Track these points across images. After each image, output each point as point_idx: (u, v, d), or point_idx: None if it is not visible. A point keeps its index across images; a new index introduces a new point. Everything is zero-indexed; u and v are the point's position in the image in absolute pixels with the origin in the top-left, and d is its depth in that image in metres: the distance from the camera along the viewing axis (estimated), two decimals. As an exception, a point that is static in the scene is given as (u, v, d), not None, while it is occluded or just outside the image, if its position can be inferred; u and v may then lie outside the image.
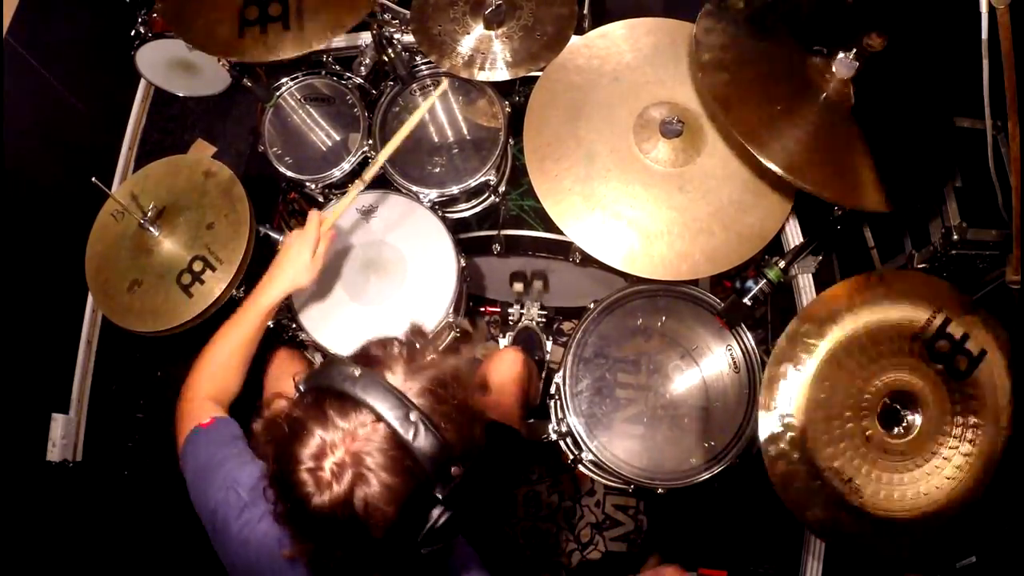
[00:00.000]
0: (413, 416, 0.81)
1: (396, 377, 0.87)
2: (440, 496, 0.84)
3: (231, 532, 1.08)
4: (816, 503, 1.39)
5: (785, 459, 1.41)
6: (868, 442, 1.41)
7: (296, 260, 1.41)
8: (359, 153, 1.89)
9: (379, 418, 0.81)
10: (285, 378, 1.64)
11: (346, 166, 1.89)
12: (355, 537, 0.82)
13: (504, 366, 1.86)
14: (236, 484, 1.11)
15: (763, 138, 1.44)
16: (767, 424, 1.42)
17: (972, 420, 1.42)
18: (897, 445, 1.42)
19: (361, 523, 0.81)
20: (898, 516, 1.39)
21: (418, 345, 0.92)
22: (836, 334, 1.45)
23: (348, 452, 0.81)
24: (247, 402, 1.50)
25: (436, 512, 0.85)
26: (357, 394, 0.82)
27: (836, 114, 1.49)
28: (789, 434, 1.41)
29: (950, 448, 1.41)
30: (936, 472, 1.41)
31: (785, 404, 1.43)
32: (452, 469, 0.84)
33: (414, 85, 1.97)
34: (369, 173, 1.55)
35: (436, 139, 1.94)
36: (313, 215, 1.45)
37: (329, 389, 0.85)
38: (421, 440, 0.81)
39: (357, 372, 0.84)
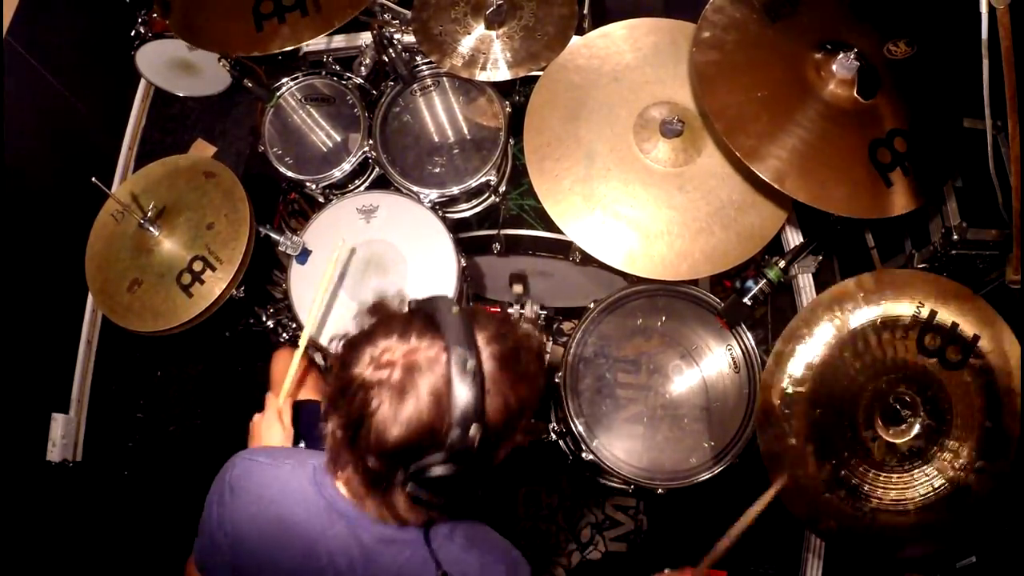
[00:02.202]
0: (470, 366, 0.87)
1: (482, 334, 0.93)
2: (447, 443, 0.87)
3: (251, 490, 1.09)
4: (828, 514, 1.40)
5: (792, 475, 1.41)
6: (872, 447, 1.41)
7: (271, 439, 1.41)
8: (359, 153, 1.89)
9: (446, 351, 0.88)
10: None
11: (346, 166, 1.89)
12: (356, 424, 0.89)
13: None
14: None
15: (736, 120, 1.44)
16: (768, 443, 1.42)
17: (974, 408, 1.41)
18: (901, 445, 1.42)
19: (362, 419, 0.88)
20: (912, 516, 1.39)
21: (517, 331, 0.99)
22: (826, 345, 1.44)
23: (405, 359, 0.88)
24: (245, 405, 1.51)
25: (435, 459, 0.88)
26: (442, 323, 0.91)
27: (830, 112, 1.49)
28: (792, 450, 1.41)
29: (955, 439, 1.41)
30: (945, 465, 1.41)
31: (784, 421, 1.42)
32: (471, 430, 0.87)
33: (414, 85, 1.97)
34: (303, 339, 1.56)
35: (436, 139, 1.94)
36: (270, 398, 1.46)
37: (425, 311, 0.95)
38: (465, 389, 0.86)
39: (455, 310, 0.93)
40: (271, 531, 1.05)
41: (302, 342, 1.55)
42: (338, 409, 0.92)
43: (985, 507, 1.40)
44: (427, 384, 0.87)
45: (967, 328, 1.41)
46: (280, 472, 1.08)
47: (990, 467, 1.39)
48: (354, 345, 0.93)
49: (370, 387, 0.87)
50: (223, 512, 1.09)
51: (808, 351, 1.44)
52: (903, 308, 1.43)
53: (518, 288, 2.17)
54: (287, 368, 1.78)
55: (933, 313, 1.42)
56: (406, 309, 0.99)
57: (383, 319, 0.96)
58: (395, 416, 0.86)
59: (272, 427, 1.41)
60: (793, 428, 1.42)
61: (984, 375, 1.41)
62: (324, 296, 1.66)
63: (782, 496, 1.41)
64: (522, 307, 2.31)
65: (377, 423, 0.87)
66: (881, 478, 1.41)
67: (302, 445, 1.48)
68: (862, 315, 1.44)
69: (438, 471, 0.88)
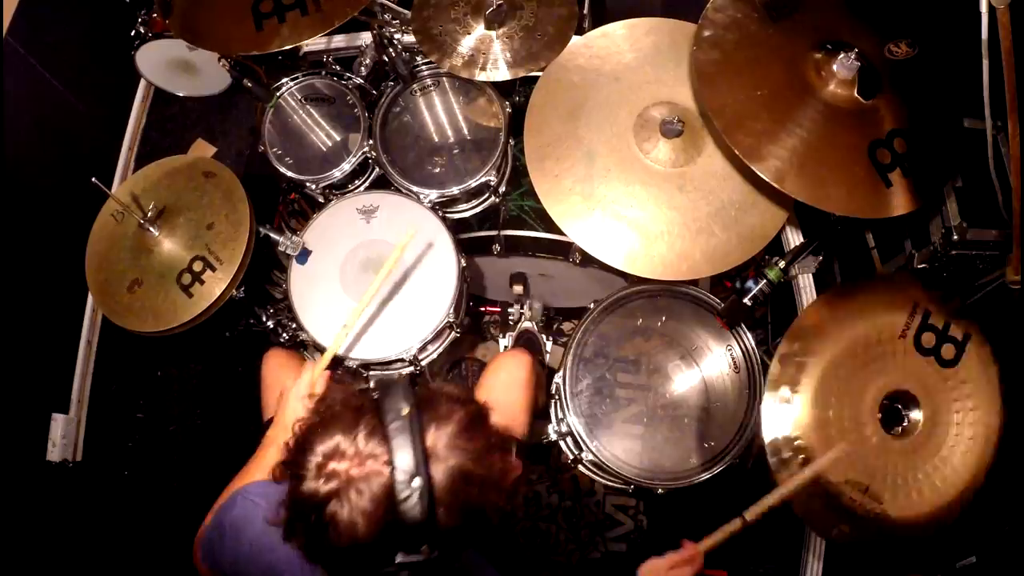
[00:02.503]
0: (417, 483, 0.82)
1: (438, 436, 0.88)
2: (397, 561, 0.85)
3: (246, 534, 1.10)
4: (840, 519, 1.40)
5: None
6: (876, 447, 1.42)
7: (296, 413, 1.35)
8: (359, 153, 1.89)
9: (390, 464, 0.83)
10: (281, 379, 1.63)
11: (346, 166, 1.89)
12: (317, 532, 0.86)
13: (510, 369, 1.76)
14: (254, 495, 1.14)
15: (736, 119, 1.44)
16: (775, 450, 1.43)
17: (970, 404, 1.45)
18: (904, 444, 1.43)
19: (322, 526, 0.85)
20: (919, 513, 1.41)
21: (483, 427, 0.93)
22: (825, 351, 1.47)
23: (349, 471, 0.84)
24: (245, 405, 1.50)
25: (388, 572, 0.86)
26: (390, 431, 0.85)
27: (830, 112, 1.49)
28: (800, 456, 1.42)
29: (955, 436, 1.43)
30: (946, 461, 1.42)
31: (790, 428, 1.43)
32: (423, 547, 0.85)
33: (414, 85, 1.97)
34: (353, 318, 1.51)
35: (436, 139, 1.94)
36: (306, 372, 1.43)
37: (377, 406, 0.89)
38: (409, 506, 0.82)
39: (405, 411, 0.87)
40: None
41: (337, 340, 1.52)
42: (296, 524, 0.89)
43: (985, 507, 1.41)
44: (366, 502, 0.83)
45: (957, 331, 1.47)
46: (274, 534, 1.03)
47: (992, 449, 1.43)
48: (303, 444, 0.88)
49: (321, 503, 0.84)
50: (223, 545, 1.11)
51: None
52: (898, 312, 1.48)
53: (518, 290, 2.17)
54: (280, 371, 1.77)
55: (928, 313, 1.45)
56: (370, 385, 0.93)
57: (331, 413, 0.90)
58: (344, 526, 0.83)
59: (299, 403, 1.39)
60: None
61: (978, 367, 1.46)
62: (368, 305, 1.61)
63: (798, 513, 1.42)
64: (522, 307, 2.32)
65: (332, 536, 0.84)
66: (888, 479, 1.41)
67: None
68: (854, 323, 1.47)
69: None
